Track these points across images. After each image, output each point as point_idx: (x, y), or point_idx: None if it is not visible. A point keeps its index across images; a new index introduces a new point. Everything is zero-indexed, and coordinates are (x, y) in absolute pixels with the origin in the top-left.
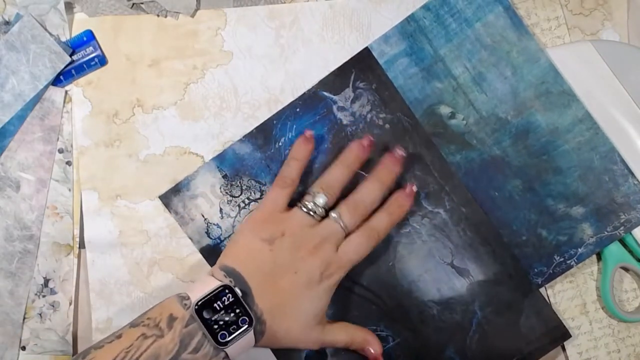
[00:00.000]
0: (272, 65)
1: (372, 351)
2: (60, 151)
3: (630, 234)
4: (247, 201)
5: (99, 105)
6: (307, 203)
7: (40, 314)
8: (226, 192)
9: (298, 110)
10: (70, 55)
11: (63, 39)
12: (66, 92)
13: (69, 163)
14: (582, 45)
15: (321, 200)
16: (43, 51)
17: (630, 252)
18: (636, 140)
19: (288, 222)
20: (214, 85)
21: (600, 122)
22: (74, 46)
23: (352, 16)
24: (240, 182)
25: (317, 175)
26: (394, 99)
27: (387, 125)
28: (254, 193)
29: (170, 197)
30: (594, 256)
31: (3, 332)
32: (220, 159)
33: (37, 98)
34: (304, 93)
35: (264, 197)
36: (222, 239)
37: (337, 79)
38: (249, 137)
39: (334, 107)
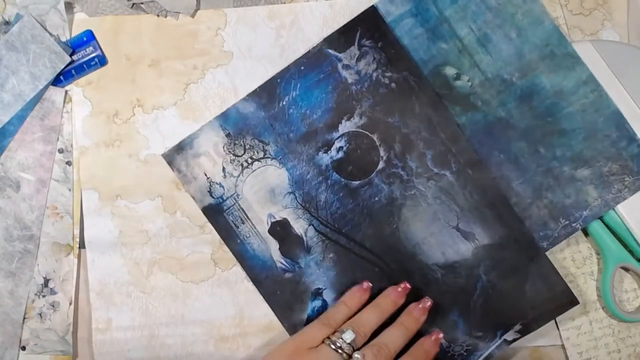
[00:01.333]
0: (272, 65)
1: None
2: (60, 151)
3: (631, 234)
4: (250, 160)
5: (99, 105)
6: (335, 340)
7: (40, 314)
8: (229, 151)
9: (302, 68)
10: (70, 55)
11: (63, 39)
12: (66, 92)
13: (69, 163)
14: (582, 45)
15: (349, 337)
16: (43, 51)
17: (631, 252)
18: None
19: (314, 358)
20: (214, 85)
21: None
22: (74, 46)
23: (352, 16)
24: (243, 141)
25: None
26: (400, 57)
27: (393, 85)
28: (257, 152)
29: (173, 156)
30: (594, 256)
31: (3, 332)
32: (224, 118)
33: (37, 98)
34: (309, 51)
35: (303, 329)
36: (224, 198)
37: (342, 36)
38: (253, 95)
39: (339, 65)
